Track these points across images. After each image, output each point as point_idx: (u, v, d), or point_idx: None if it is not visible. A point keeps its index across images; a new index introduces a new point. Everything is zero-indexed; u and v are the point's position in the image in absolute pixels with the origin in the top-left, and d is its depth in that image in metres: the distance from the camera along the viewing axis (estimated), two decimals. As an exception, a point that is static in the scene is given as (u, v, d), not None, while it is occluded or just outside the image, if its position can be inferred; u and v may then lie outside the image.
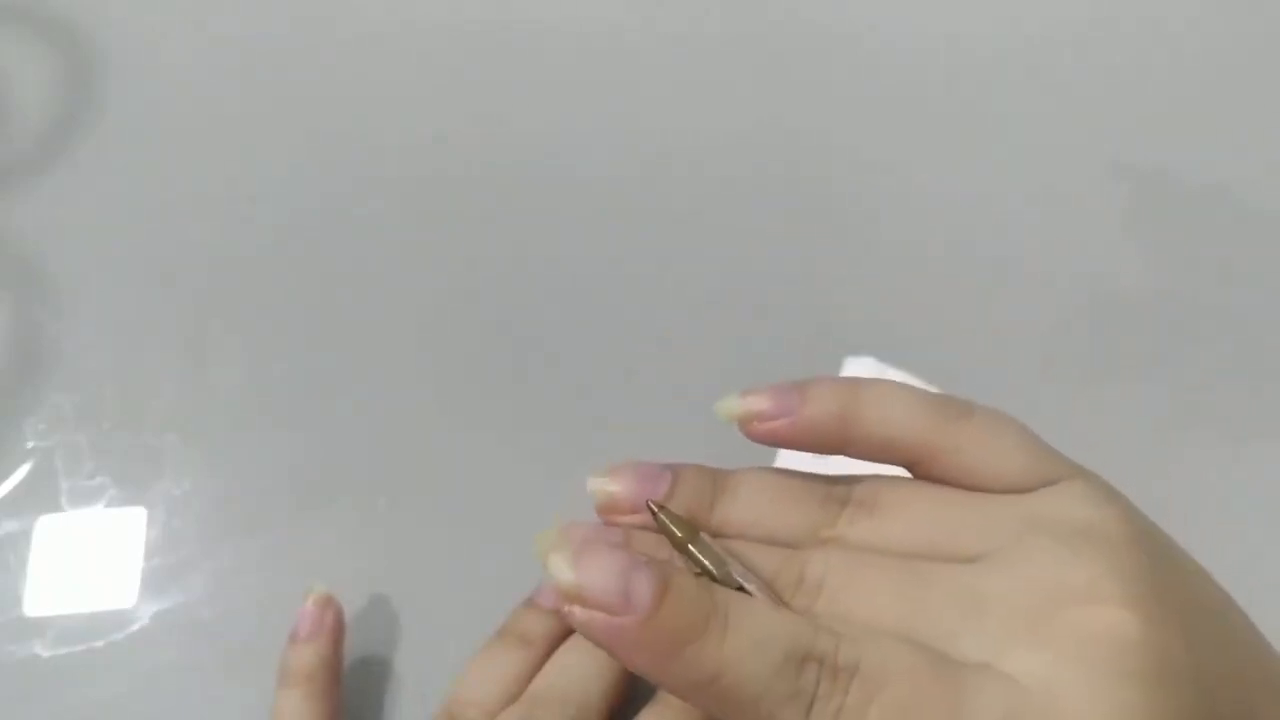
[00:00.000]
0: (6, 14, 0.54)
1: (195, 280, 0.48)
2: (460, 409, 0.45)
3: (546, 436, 0.44)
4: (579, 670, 0.37)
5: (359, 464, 0.44)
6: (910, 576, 0.23)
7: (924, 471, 0.26)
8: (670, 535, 0.25)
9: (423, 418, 0.45)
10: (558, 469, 0.42)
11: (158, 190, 0.50)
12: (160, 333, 0.47)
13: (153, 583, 0.42)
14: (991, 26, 0.52)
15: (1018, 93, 0.50)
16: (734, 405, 0.26)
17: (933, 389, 0.40)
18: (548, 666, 0.37)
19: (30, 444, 0.45)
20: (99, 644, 0.41)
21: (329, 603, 0.39)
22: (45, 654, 0.41)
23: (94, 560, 0.43)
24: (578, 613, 0.21)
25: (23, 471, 0.44)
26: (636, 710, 0.37)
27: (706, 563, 0.24)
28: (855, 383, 0.26)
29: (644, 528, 0.26)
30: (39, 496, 0.44)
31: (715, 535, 0.25)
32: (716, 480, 0.27)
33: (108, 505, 0.44)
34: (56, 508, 0.44)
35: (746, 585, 0.23)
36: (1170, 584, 0.23)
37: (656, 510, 0.25)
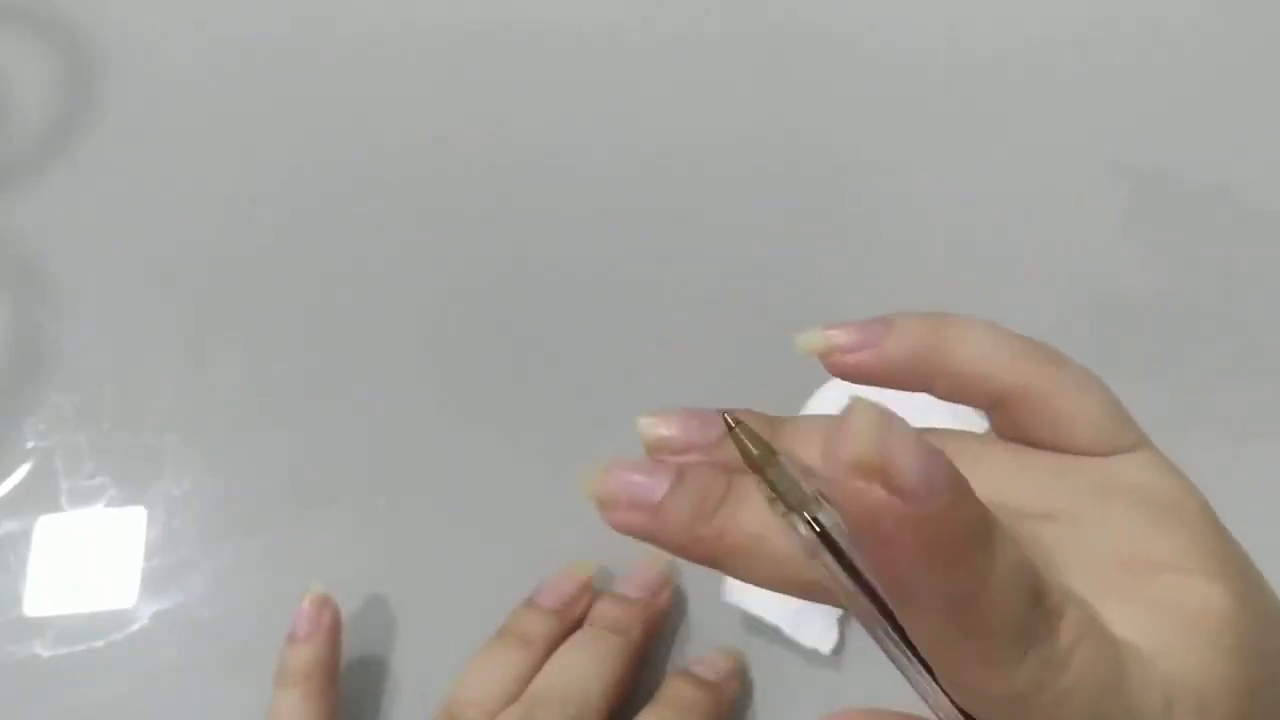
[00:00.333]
0: (6, 14, 0.54)
1: (195, 280, 0.48)
2: (460, 409, 0.45)
3: (546, 436, 0.44)
4: (579, 670, 0.37)
5: (359, 464, 0.44)
6: None
7: (1007, 415, 0.25)
8: (745, 453, 0.22)
9: (423, 418, 0.45)
10: (558, 469, 0.42)
11: (158, 190, 0.50)
12: (160, 333, 0.47)
13: (153, 583, 0.42)
14: (991, 26, 0.52)
15: (1018, 93, 0.50)
16: (815, 339, 0.25)
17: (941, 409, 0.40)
18: (547, 666, 0.37)
19: (30, 444, 0.45)
20: (99, 644, 0.41)
21: (326, 602, 0.39)
22: (45, 654, 0.41)
23: (94, 560, 0.43)
24: (875, 493, 0.17)
25: (23, 471, 0.44)
26: (636, 710, 0.37)
27: (781, 487, 0.21)
28: (944, 316, 0.25)
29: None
30: (39, 496, 0.44)
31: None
32: (773, 424, 0.25)
33: (108, 505, 0.44)
34: (56, 508, 0.44)
35: (821, 516, 0.21)
36: (1242, 557, 0.23)
37: (732, 424, 0.23)
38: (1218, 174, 0.48)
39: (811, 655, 0.39)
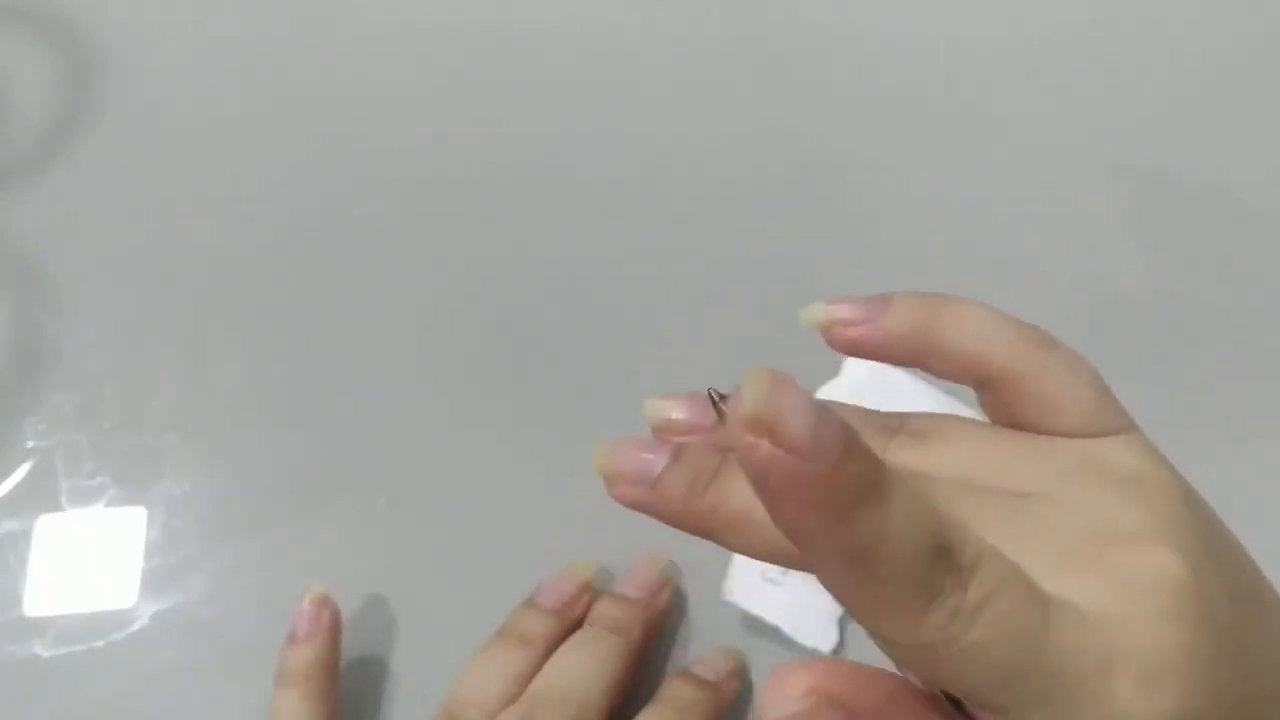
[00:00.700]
0: (6, 14, 0.54)
1: (195, 280, 0.48)
2: (460, 409, 0.45)
3: (546, 436, 0.44)
4: (579, 670, 0.37)
5: (359, 464, 0.44)
6: (964, 498, 0.23)
7: (996, 395, 0.26)
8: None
9: (423, 418, 0.45)
10: (558, 469, 0.42)
11: (158, 190, 0.50)
12: (160, 333, 0.47)
13: (153, 583, 0.42)
14: (991, 26, 0.52)
15: (1018, 93, 0.50)
16: (818, 312, 0.27)
17: (934, 387, 0.40)
18: (547, 666, 0.37)
19: (30, 444, 0.45)
20: (99, 644, 0.41)
21: (325, 602, 0.39)
22: (45, 654, 0.41)
23: (94, 560, 0.43)
24: (764, 448, 0.18)
25: (23, 471, 0.44)
26: (636, 710, 0.37)
27: None
28: (941, 297, 0.26)
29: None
30: (39, 496, 0.44)
31: None
32: None
33: (108, 505, 0.44)
34: (56, 508, 0.44)
35: None
36: (1213, 536, 0.24)
37: (717, 399, 0.24)
38: (1218, 174, 0.48)
39: (811, 655, 0.39)
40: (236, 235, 0.49)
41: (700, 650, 0.40)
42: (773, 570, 0.40)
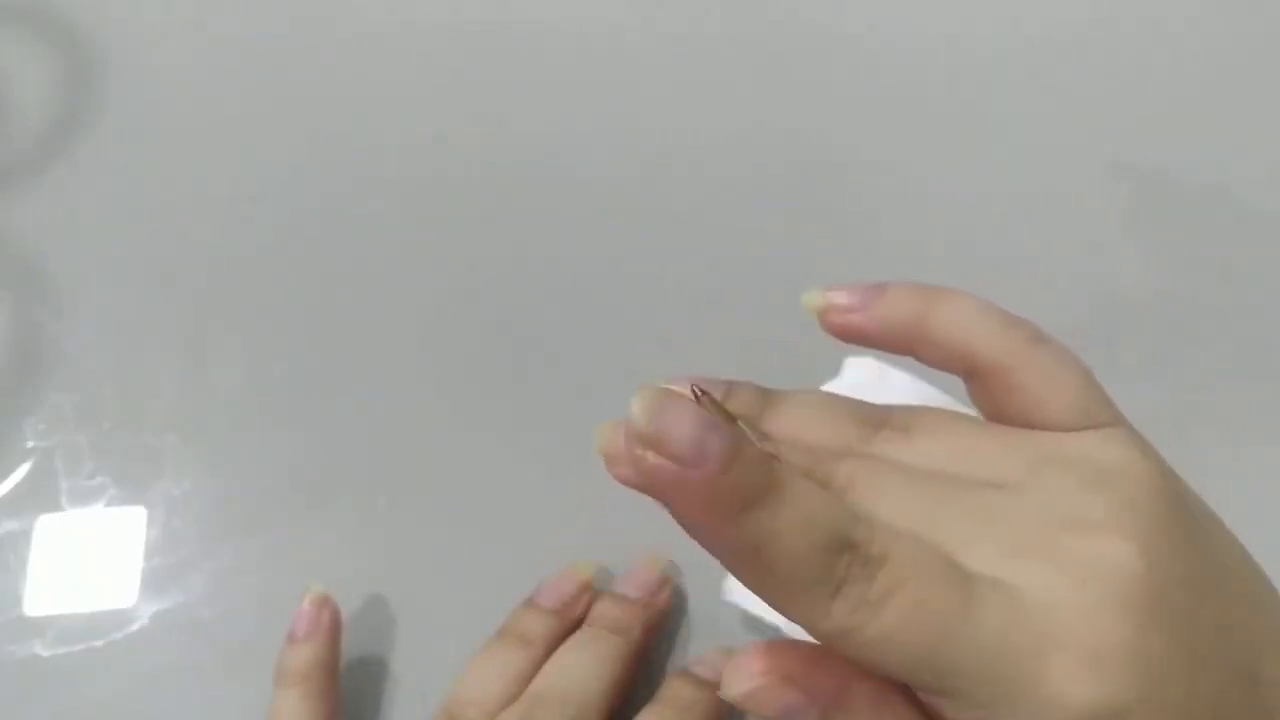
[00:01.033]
0: (6, 14, 0.54)
1: (195, 280, 0.48)
2: (460, 409, 0.45)
3: (546, 436, 0.44)
4: (579, 670, 0.37)
5: (359, 464, 0.44)
6: (933, 489, 0.24)
7: (983, 386, 0.26)
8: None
9: (423, 418, 0.45)
10: (558, 469, 0.42)
11: (158, 190, 0.50)
12: (160, 333, 0.47)
13: (153, 583, 0.42)
14: (991, 26, 0.52)
15: (1018, 93, 0.50)
16: (815, 297, 0.28)
17: (933, 388, 0.40)
18: (547, 666, 0.37)
19: (30, 444, 0.45)
20: (99, 644, 0.41)
21: (325, 602, 0.39)
22: (45, 654, 0.41)
23: (94, 560, 0.43)
24: (649, 459, 0.20)
25: (23, 471, 0.44)
26: (636, 710, 0.37)
27: None
28: (935, 288, 0.27)
29: None
30: (39, 496, 0.44)
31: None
32: (766, 396, 0.28)
33: (108, 505, 0.44)
34: (56, 508, 0.44)
35: None
36: (1185, 532, 0.24)
37: (699, 394, 0.25)
38: (1218, 174, 0.48)
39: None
40: (236, 235, 0.49)
41: (700, 650, 0.40)
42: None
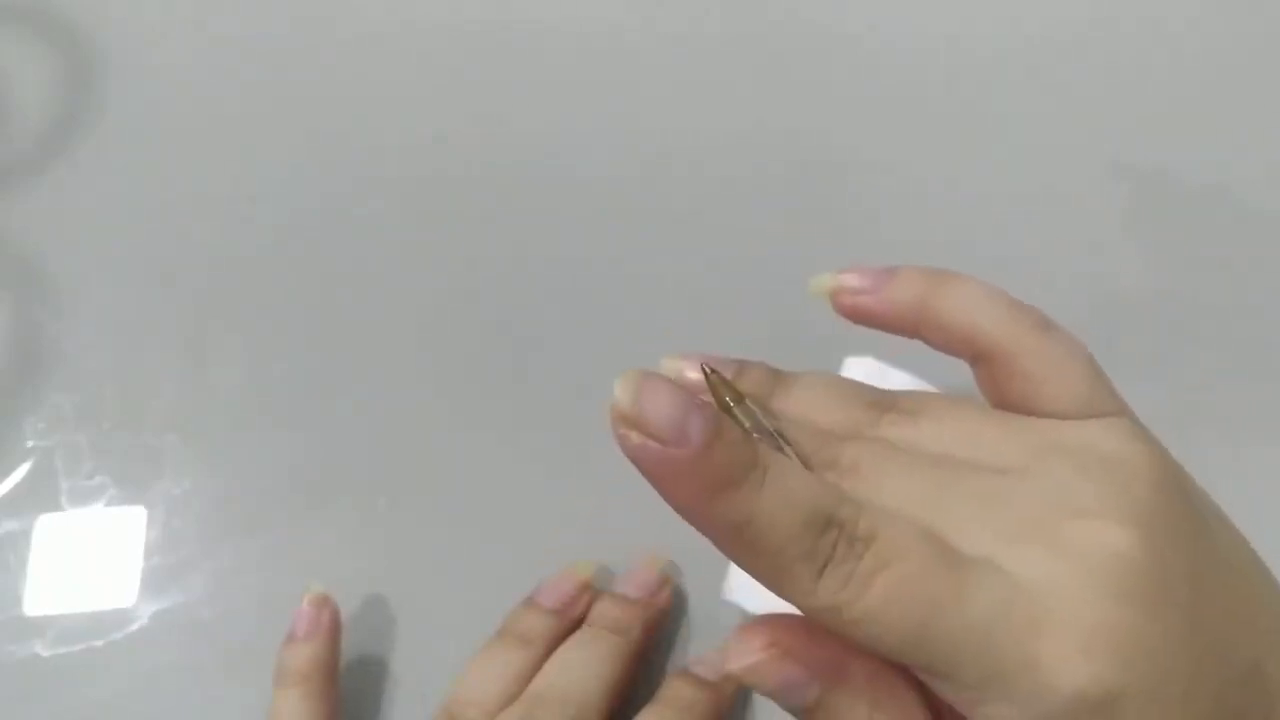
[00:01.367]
0: (6, 14, 0.54)
1: (195, 280, 0.48)
2: (460, 409, 0.45)
3: (546, 436, 0.44)
4: (579, 670, 0.37)
5: (359, 464, 0.44)
6: (936, 472, 0.24)
7: (989, 371, 0.26)
8: (717, 396, 0.26)
9: (423, 418, 0.45)
10: (558, 469, 0.42)
11: (158, 190, 0.50)
12: (160, 333, 0.47)
13: (153, 583, 0.42)
14: (991, 26, 0.52)
15: (1018, 93, 0.50)
16: (826, 279, 0.29)
17: (932, 388, 0.40)
18: (547, 666, 0.37)
19: (30, 444, 0.45)
20: (99, 644, 0.41)
21: (325, 602, 0.39)
22: (45, 654, 0.41)
23: (94, 560, 0.43)
24: (633, 438, 0.21)
25: (23, 471, 0.44)
26: (636, 710, 0.37)
27: (747, 424, 0.25)
28: (944, 272, 0.27)
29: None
30: (39, 496, 0.44)
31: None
32: (777, 377, 0.28)
33: (108, 505, 0.44)
34: (56, 507, 0.44)
35: (784, 451, 0.25)
36: (1187, 524, 0.24)
37: (709, 372, 0.26)
38: (1218, 174, 0.48)
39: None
40: (236, 235, 0.49)
41: (700, 650, 0.40)
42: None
